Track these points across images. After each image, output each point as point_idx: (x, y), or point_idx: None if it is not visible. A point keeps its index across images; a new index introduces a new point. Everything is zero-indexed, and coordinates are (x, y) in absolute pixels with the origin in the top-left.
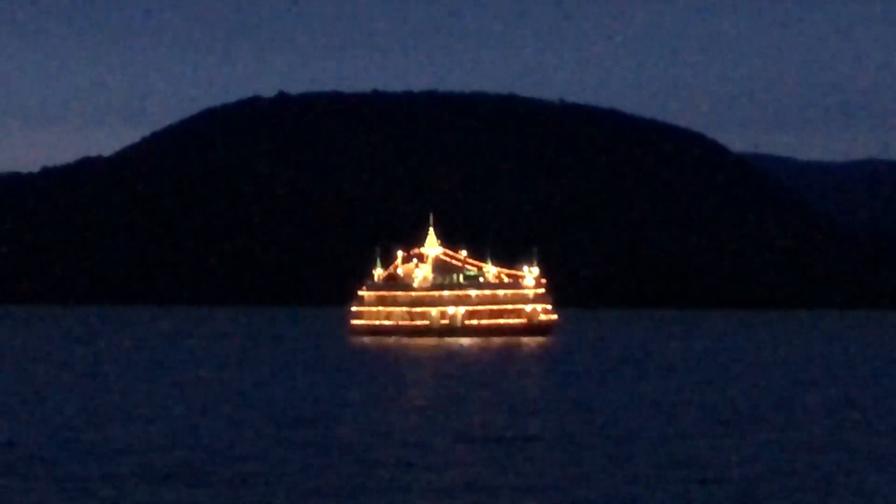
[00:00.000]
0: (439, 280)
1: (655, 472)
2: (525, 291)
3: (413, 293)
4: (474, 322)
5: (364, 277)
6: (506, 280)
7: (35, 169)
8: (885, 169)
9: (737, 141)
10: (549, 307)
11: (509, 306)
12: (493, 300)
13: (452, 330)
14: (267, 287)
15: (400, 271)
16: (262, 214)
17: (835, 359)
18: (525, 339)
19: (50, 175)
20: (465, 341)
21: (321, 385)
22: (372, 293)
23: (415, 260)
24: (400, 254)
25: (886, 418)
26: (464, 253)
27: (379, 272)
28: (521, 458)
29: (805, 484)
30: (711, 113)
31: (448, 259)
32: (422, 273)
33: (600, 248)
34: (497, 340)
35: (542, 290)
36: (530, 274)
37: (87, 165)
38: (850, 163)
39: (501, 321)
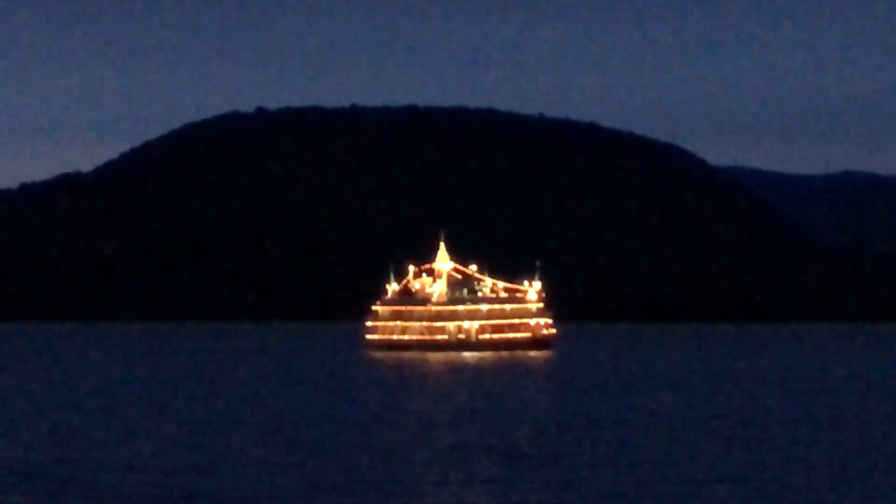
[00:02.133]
0: (453, 295)
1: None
2: (529, 306)
3: (433, 308)
4: (486, 336)
5: (376, 292)
6: (503, 294)
7: (13, 185)
8: (863, 181)
9: (716, 154)
10: (550, 321)
11: (516, 321)
12: (502, 314)
13: (467, 344)
14: (257, 302)
15: (417, 286)
16: (261, 229)
17: (828, 371)
18: (529, 353)
19: (28, 191)
20: (478, 355)
21: (341, 402)
22: (387, 308)
23: (424, 275)
24: (412, 269)
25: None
26: (473, 267)
27: (394, 287)
28: (555, 474)
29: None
30: (690, 126)
31: (460, 274)
32: (439, 288)
33: (578, 262)
34: (505, 354)
35: (542, 305)
36: (532, 289)
37: (65, 181)
38: (828, 175)
39: (510, 335)
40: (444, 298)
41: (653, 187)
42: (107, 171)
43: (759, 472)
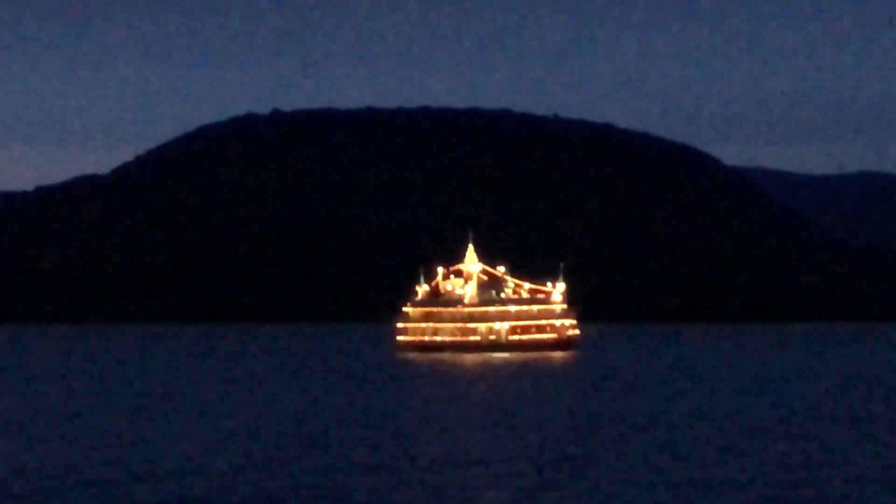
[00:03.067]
0: (483, 296)
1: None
2: (553, 307)
3: (466, 309)
4: (515, 337)
5: (406, 293)
6: (525, 295)
7: (30, 188)
8: (878, 181)
9: (730, 154)
10: (574, 322)
11: (542, 321)
12: (528, 316)
13: (498, 345)
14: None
15: (449, 287)
16: (280, 230)
17: (851, 371)
18: (554, 354)
19: (45, 194)
20: (507, 356)
21: (373, 403)
22: (418, 309)
23: (452, 276)
24: (440, 270)
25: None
26: (501, 269)
27: (425, 288)
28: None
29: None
30: (705, 127)
31: (488, 276)
32: (471, 289)
33: (597, 263)
34: (532, 356)
35: (566, 306)
36: (556, 290)
37: (82, 184)
38: (843, 176)
39: (537, 336)
40: (476, 300)
41: (667, 188)
42: (123, 173)
43: (797, 472)
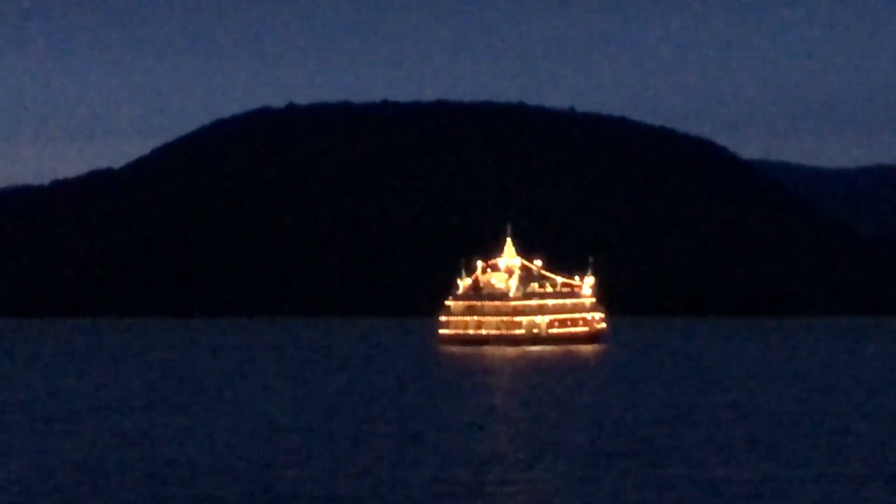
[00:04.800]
0: (524, 290)
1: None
2: (584, 301)
3: (512, 303)
4: (554, 330)
5: (446, 287)
6: (560, 289)
7: (45, 182)
8: (894, 174)
9: (747, 148)
10: (602, 316)
11: (575, 315)
12: (564, 309)
13: (538, 339)
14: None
15: (494, 281)
16: (308, 223)
17: (874, 366)
18: (583, 347)
19: (60, 188)
20: (546, 349)
21: (420, 398)
22: (460, 303)
23: (489, 269)
24: (480, 264)
25: None
26: (538, 263)
27: (467, 282)
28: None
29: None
30: (721, 120)
31: (528, 270)
32: (514, 283)
33: (618, 258)
34: (565, 349)
35: (595, 300)
36: (586, 283)
37: (97, 178)
38: (860, 169)
39: (572, 330)
40: (520, 294)
41: (684, 182)
42: (138, 168)
43: (843, 467)
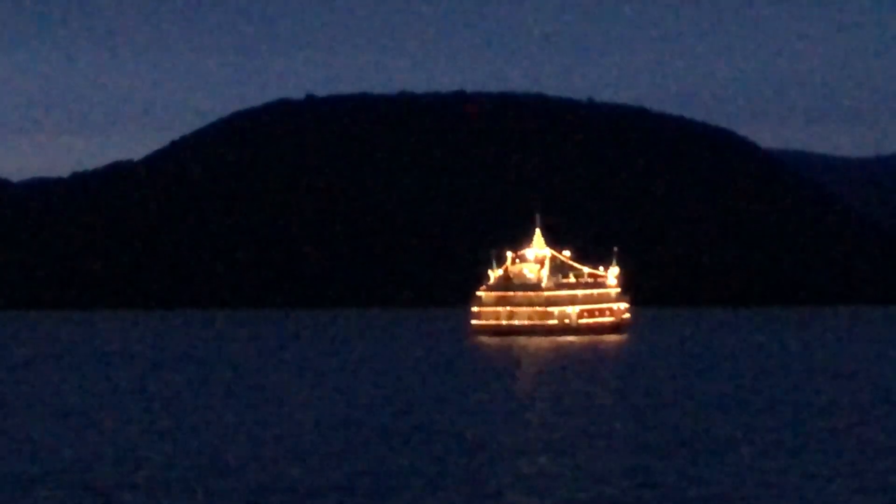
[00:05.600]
0: (555, 280)
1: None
2: (609, 290)
3: (545, 293)
4: (584, 321)
5: (474, 278)
6: (587, 279)
7: (65, 174)
8: None
9: (767, 137)
10: (626, 306)
11: (602, 305)
12: (592, 300)
13: (569, 329)
14: (316, 289)
15: (526, 272)
16: (344, 216)
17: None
18: (608, 337)
19: (80, 180)
20: (575, 339)
21: (467, 389)
22: (492, 294)
23: (517, 260)
24: (510, 255)
25: None
26: (566, 253)
27: (498, 273)
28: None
29: None
30: (741, 110)
31: (557, 260)
32: (546, 273)
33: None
34: (595, 339)
35: (619, 290)
36: (610, 274)
37: (117, 170)
38: (880, 158)
39: (600, 320)
40: (552, 284)
41: (704, 172)
42: (157, 160)
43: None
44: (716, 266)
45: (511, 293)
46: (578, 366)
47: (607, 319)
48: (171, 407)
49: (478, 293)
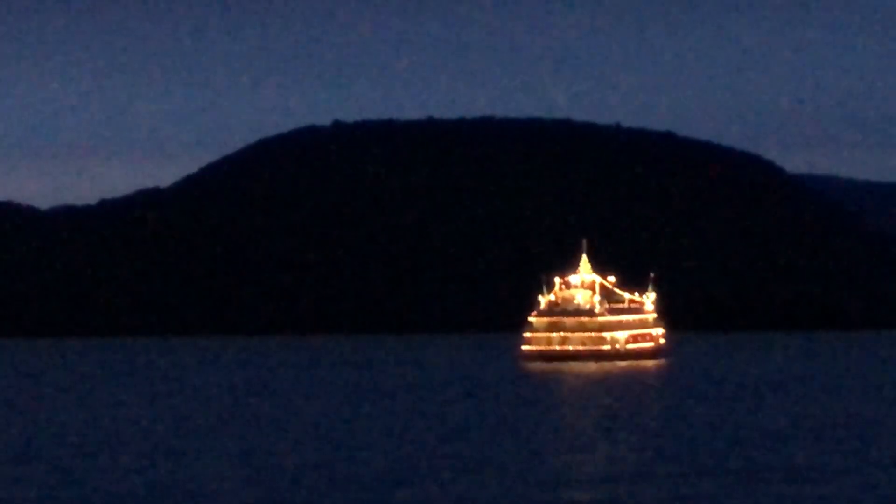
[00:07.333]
0: (605, 306)
1: None
2: (648, 316)
3: (599, 319)
4: (630, 346)
5: (521, 303)
6: (629, 305)
7: (92, 201)
8: None
9: (792, 161)
10: (663, 331)
11: (644, 331)
12: (635, 325)
13: (619, 354)
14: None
15: (578, 297)
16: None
17: None
18: (648, 363)
19: (107, 207)
20: (622, 364)
21: (523, 416)
22: (543, 319)
23: (563, 286)
24: (558, 280)
25: None
26: (611, 279)
27: (549, 298)
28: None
29: None
30: (767, 134)
31: (605, 286)
32: (598, 299)
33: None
34: (638, 364)
35: (656, 315)
36: (648, 299)
37: (144, 197)
38: None
39: (644, 345)
40: (604, 310)
41: (731, 196)
42: (184, 187)
43: None
44: (739, 291)
45: (564, 319)
46: (626, 391)
47: (648, 345)
48: (222, 434)
49: (529, 319)
